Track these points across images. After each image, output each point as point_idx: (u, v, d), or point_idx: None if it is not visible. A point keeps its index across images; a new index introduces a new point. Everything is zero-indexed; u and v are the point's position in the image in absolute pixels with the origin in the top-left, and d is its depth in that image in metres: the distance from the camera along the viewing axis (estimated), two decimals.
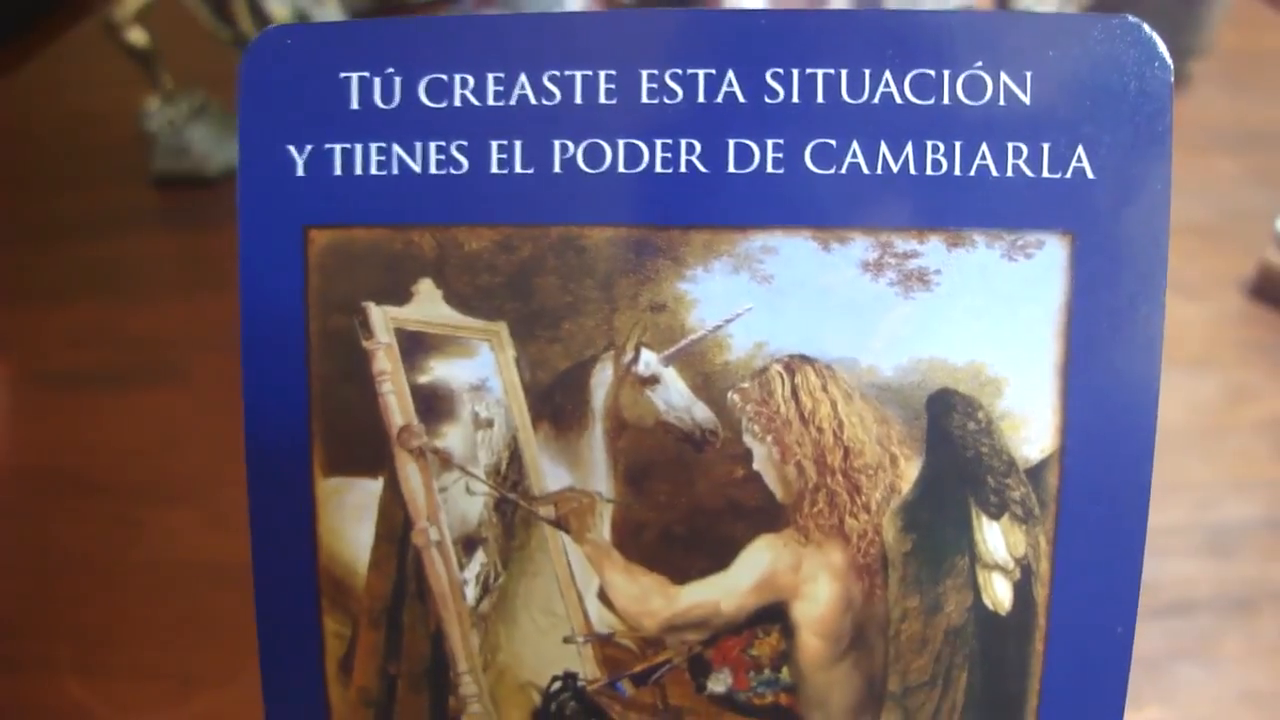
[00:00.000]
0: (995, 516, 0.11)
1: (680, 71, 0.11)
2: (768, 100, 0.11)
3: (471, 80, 0.12)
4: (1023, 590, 0.12)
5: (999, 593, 0.12)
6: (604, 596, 0.12)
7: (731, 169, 0.11)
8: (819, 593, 0.12)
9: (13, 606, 0.38)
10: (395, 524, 0.13)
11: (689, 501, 0.12)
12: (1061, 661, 0.12)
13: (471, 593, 0.13)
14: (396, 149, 0.12)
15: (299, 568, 0.13)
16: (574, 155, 0.12)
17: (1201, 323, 0.56)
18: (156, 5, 0.57)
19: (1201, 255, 0.61)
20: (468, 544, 0.12)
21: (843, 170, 0.11)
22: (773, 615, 0.12)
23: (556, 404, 0.12)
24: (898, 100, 0.11)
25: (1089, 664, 0.12)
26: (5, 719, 0.33)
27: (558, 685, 0.12)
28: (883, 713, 0.12)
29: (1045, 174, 0.11)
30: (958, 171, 0.11)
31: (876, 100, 0.11)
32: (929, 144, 0.11)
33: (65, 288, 0.56)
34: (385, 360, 0.12)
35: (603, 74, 0.11)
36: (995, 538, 0.11)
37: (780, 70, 0.11)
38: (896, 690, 0.12)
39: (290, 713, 0.13)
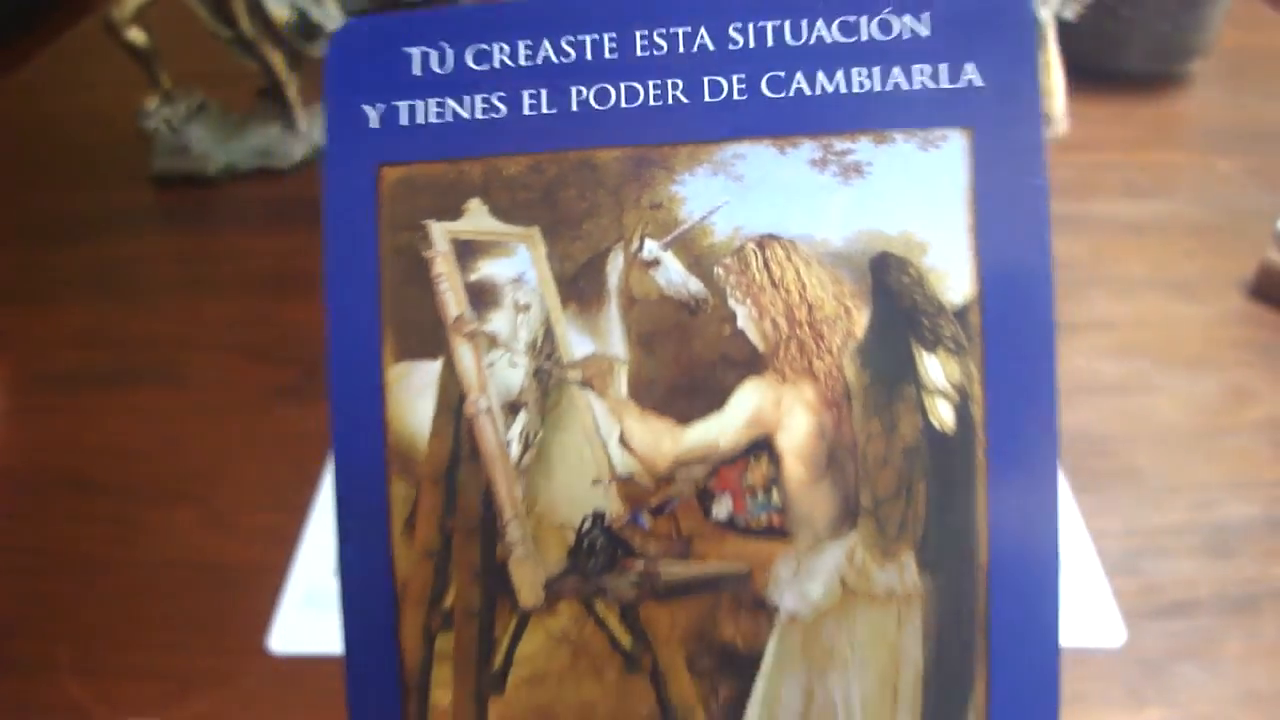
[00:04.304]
0: (932, 350, 0.14)
1: (665, 30, 0.15)
2: (731, 47, 0.15)
3: (507, 47, 0.15)
4: (962, 411, 0.14)
5: (943, 414, 0.14)
6: (624, 442, 0.15)
7: (707, 99, 0.15)
8: (797, 424, 0.15)
9: (12, 606, 0.37)
10: (452, 397, 0.15)
11: (689, 358, 0.15)
12: (1001, 468, 0.14)
13: (515, 450, 0.15)
14: (450, 102, 0.15)
15: (371, 441, 0.15)
16: (587, 97, 0.15)
17: (1201, 323, 0.56)
18: (156, 5, 0.57)
19: (1201, 255, 0.62)
20: (511, 408, 0.15)
21: (791, 94, 0.15)
22: (761, 446, 0.15)
23: (580, 288, 0.15)
24: (828, 40, 0.15)
25: (1023, 466, 0.14)
26: (5, 719, 0.33)
27: (588, 524, 0.15)
28: (859, 523, 0.14)
29: (946, 86, 0.15)
30: (878, 89, 0.15)
31: (813, 41, 0.15)
32: (854, 70, 0.15)
33: (65, 288, 0.54)
34: (442, 265, 0.15)
35: (606, 36, 0.15)
36: (935, 368, 0.14)
37: (740, 24, 0.15)
38: (868, 504, 0.14)
39: (361, 569, 0.15)
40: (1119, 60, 0.77)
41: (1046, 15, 0.71)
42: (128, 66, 0.60)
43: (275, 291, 0.55)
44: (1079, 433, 0.49)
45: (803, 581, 0.14)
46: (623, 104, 0.15)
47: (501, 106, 0.15)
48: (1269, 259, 0.56)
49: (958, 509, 0.14)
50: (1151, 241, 0.62)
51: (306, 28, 0.58)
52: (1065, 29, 0.73)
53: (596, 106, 0.15)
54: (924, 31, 0.15)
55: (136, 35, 0.58)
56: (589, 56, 0.15)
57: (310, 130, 0.62)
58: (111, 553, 0.39)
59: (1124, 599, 0.41)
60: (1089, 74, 0.76)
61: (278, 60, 0.59)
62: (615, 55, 0.15)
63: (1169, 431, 0.49)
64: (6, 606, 0.37)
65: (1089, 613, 0.40)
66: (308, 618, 0.36)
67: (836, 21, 0.15)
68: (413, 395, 0.15)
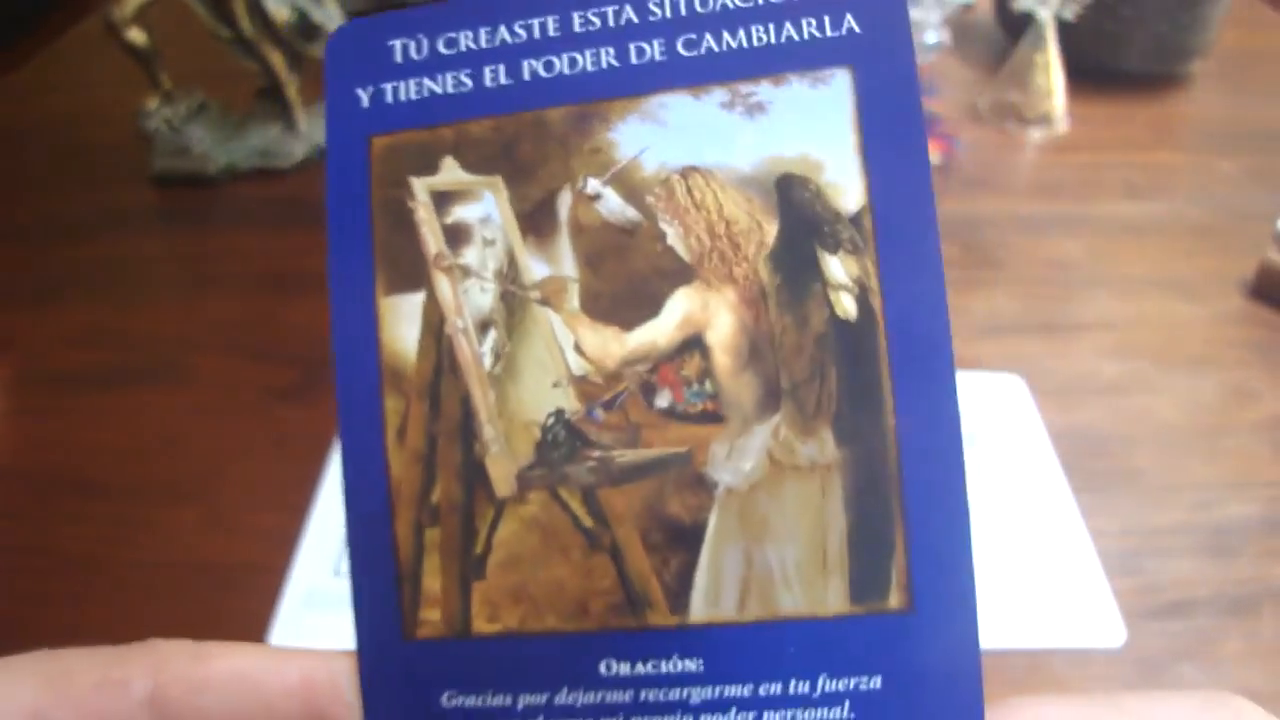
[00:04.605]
0: (833, 251, 0.17)
1: (598, 9, 0.18)
2: (651, 18, 0.18)
3: (471, 33, 0.19)
4: (863, 302, 0.17)
5: (847, 306, 0.17)
6: (578, 348, 0.18)
7: (634, 61, 0.18)
8: (722, 322, 0.17)
9: (12, 606, 0.37)
10: (434, 321, 0.18)
11: (629, 273, 0.17)
12: (899, 347, 0.16)
13: (487, 362, 0.18)
14: (426, 81, 0.19)
15: (368, 365, 0.18)
16: (537, 68, 0.18)
17: (1201, 323, 0.56)
18: (156, 5, 0.57)
19: (1201, 255, 0.61)
20: (483, 326, 0.18)
21: (702, 51, 0.18)
22: (693, 344, 0.17)
23: (537, 222, 0.18)
24: (730, 7, 0.18)
25: (918, 344, 0.16)
26: None
27: (551, 420, 0.17)
28: (781, 404, 0.17)
29: (830, 35, 0.17)
30: (776, 42, 0.18)
31: (718, 8, 0.18)
32: (754, 28, 0.18)
33: (65, 288, 0.54)
34: (423, 212, 0.18)
35: (551, 18, 0.18)
36: (836, 266, 0.17)
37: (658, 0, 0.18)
38: (788, 387, 0.17)
39: (361, 476, 0.18)
40: (1119, 60, 0.78)
41: (1046, 15, 0.73)
42: (128, 66, 0.60)
43: (275, 291, 0.54)
44: (1079, 433, 0.49)
45: (736, 459, 0.17)
46: (566, 71, 0.18)
47: (468, 81, 0.19)
48: (1269, 259, 0.56)
49: (865, 385, 0.16)
50: (1151, 241, 0.63)
51: (306, 28, 0.59)
52: (1065, 29, 0.74)
53: (545, 75, 0.18)
54: None
55: (136, 35, 0.57)
56: (537, 35, 0.18)
57: (310, 130, 0.63)
58: (111, 553, 0.39)
59: (1124, 599, 0.41)
60: (1089, 74, 0.78)
61: (278, 60, 0.61)
62: (558, 33, 0.18)
63: (1169, 431, 0.49)
64: (6, 606, 0.37)
65: (1089, 613, 0.40)
66: (308, 618, 0.37)
67: None
68: (402, 322, 0.18)
